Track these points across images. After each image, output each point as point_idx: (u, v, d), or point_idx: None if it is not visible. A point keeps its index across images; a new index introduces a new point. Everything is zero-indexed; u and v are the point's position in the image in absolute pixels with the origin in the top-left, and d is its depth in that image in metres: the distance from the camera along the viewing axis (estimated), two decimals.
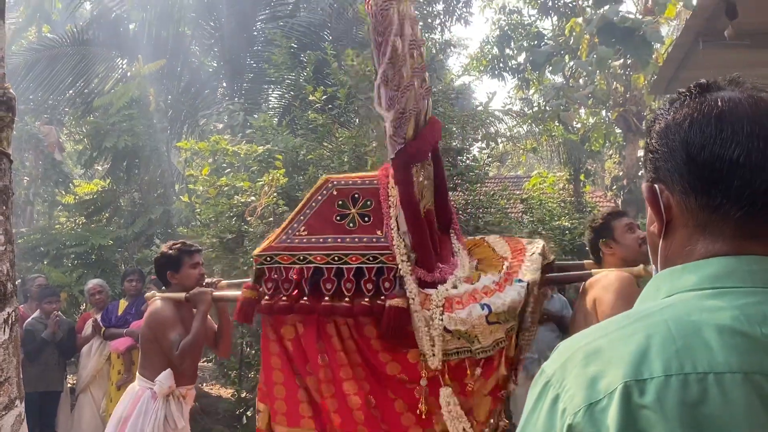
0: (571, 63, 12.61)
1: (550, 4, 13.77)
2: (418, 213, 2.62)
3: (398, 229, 2.60)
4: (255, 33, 11.89)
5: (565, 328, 4.13)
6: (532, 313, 2.62)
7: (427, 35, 12.17)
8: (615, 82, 12.62)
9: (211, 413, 7.20)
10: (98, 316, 6.21)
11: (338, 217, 2.70)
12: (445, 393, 2.41)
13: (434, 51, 12.14)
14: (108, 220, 10.18)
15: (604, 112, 13.44)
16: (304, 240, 2.67)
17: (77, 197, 10.63)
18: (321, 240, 2.65)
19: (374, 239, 2.60)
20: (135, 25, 11.96)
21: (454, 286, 2.55)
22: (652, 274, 0.94)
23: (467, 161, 7.27)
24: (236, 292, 3.34)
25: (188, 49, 12.15)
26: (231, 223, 6.26)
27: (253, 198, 6.14)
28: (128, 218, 9.97)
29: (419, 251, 2.60)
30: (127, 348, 5.96)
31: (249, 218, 6.01)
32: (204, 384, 8.55)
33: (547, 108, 12.92)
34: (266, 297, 2.66)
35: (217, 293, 3.50)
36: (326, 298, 2.55)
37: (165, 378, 3.55)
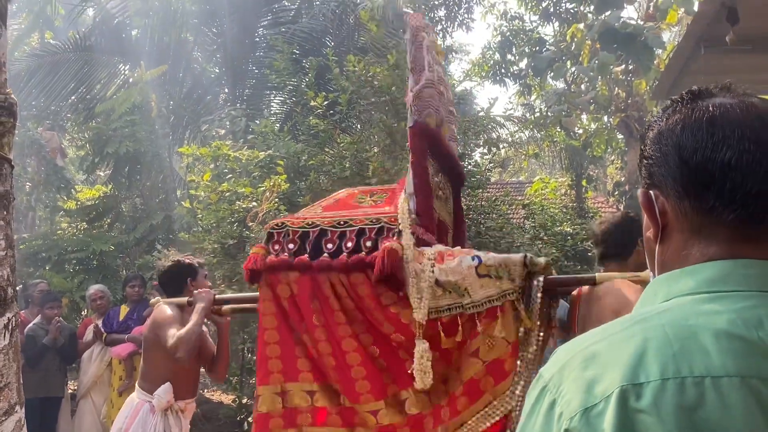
0: (573, 69, 12.63)
1: (551, 10, 13.78)
2: (425, 178, 2.77)
3: (405, 191, 2.73)
4: (257, 39, 11.93)
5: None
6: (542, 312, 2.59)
7: None
8: (617, 88, 12.63)
9: (212, 419, 7.19)
10: (99, 322, 6.21)
11: (354, 202, 2.96)
12: (422, 347, 2.43)
13: None
14: (109, 225, 10.19)
15: (605, 118, 13.43)
16: (318, 213, 2.86)
17: (79, 203, 10.65)
18: (332, 213, 2.84)
19: (382, 211, 2.77)
20: (137, 31, 12.00)
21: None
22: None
23: (469, 167, 7.28)
24: (240, 294, 3.35)
25: (190, 55, 12.18)
26: (232, 229, 6.27)
27: (254, 203, 6.15)
28: (130, 224, 9.98)
29: (422, 212, 2.71)
30: (129, 354, 5.95)
31: (250, 224, 6.01)
32: (205, 390, 8.54)
33: (549, 113, 12.92)
34: (270, 256, 2.74)
35: (219, 296, 3.51)
36: (325, 255, 2.65)
37: (164, 392, 3.54)
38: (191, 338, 3.33)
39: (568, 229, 7.98)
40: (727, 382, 0.70)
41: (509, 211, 7.93)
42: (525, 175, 20.31)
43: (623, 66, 12.04)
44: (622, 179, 13.42)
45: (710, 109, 0.87)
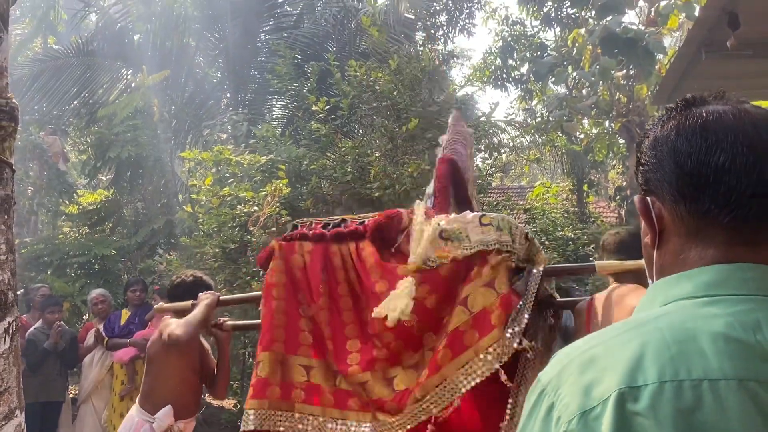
0: (574, 74, 12.62)
1: (552, 15, 13.78)
2: (445, 184, 2.95)
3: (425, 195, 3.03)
4: (259, 44, 11.95)
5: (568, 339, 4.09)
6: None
7: (430, 46, 12.22)
8: (618, 93, 12.61)
9: (213, 423, 7.18)
10: (101, 326, 6.21)
11: None
12: (407, 281, 2.53)
13: (437, 62, 12.18)
14: (111, 230, 10.20)
15: (607, 123, 13.41)
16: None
17: (81, 207, 10.66)
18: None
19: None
20: (140, 36, 12.03)
21: None
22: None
23: None
24: (243, 295, 3.43)
25: (192, 60, 12.21)
26: (234, 233, 6.27)
27: (256, 208, 6.15)
28: (131, 228, 9.99)
29: (438, 194, 2.91)
30: (131, 358, 5.95)
31: (252, 228, 6.02)
32: (206, 394, 8.52)
33: (550, 118, 12.91)
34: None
35: (224, 297, 3.55)
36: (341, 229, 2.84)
37: (164, 415, 3.55)
38: (192, 322, 3.36)
39: (570, 233, 7.98)
40: (724, 384, 0.71)
41: (511, 216, 7.91)
42: (526, 179, 20.29)
43: (624, 71, 12.03)
44: (624, 184, 13.41)
45: (704, 115, 0.89)
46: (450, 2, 14.91)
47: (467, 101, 14.50)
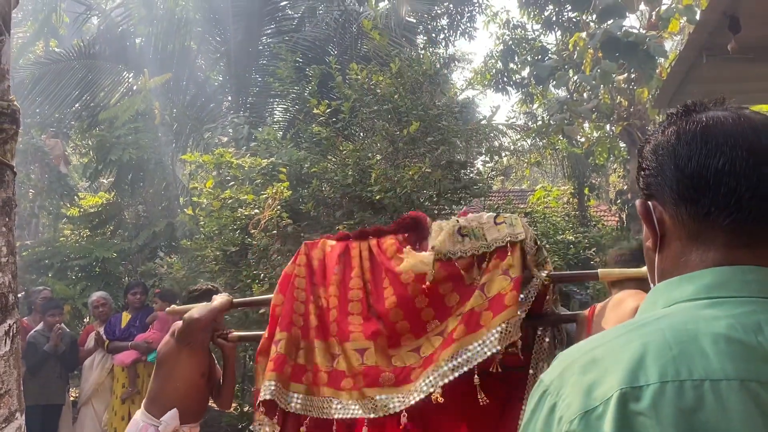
0: (575, 77, 12.62)
1: (553, 18, 13.80)
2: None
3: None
4: (260, 47, 11.96)
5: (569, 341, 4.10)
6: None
7: (431, 49, 12.22)
8: (619, 96, 12.61)
9: (213, 427, 7.17)
10: (101, 329, 6.20)
11: None
12: (430, 254, 2.73)
13: (438, 65, 12.20)
14: (112, 232, 10.21)
15: (608, 126, 13.41)
16: None
17: (82, 210, 10.67)
18: None
19: None
20: (141, 39, 12.05)
21: None
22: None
23: (471, 175, 7.27)
24: (254, 298, 3.82)
25: (194, 63, 12.23)
26: (235, 236, 6.27)
27: (257, 211, 6.15)
28: (132, 231, 10.00)
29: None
30: (133, 361, 5.95)
31: (253, 231, 6.02)
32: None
33: (551, 122, 12.91)
34: None
35: (237, 300, 3.63)
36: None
37: (171, 418, 3.56)
38: (206, 308, 3.43)
39: (571, 237, 7.98)
40: (726, 385, 0.71)
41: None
42: (527, 183, 20.30)
43: (625, 74, 12.03)
44: (625, 187, 13.39)
45: (704, 120, 0.90)
46: (451, 6, 14.94)
47: (468, 104, 14.53)
